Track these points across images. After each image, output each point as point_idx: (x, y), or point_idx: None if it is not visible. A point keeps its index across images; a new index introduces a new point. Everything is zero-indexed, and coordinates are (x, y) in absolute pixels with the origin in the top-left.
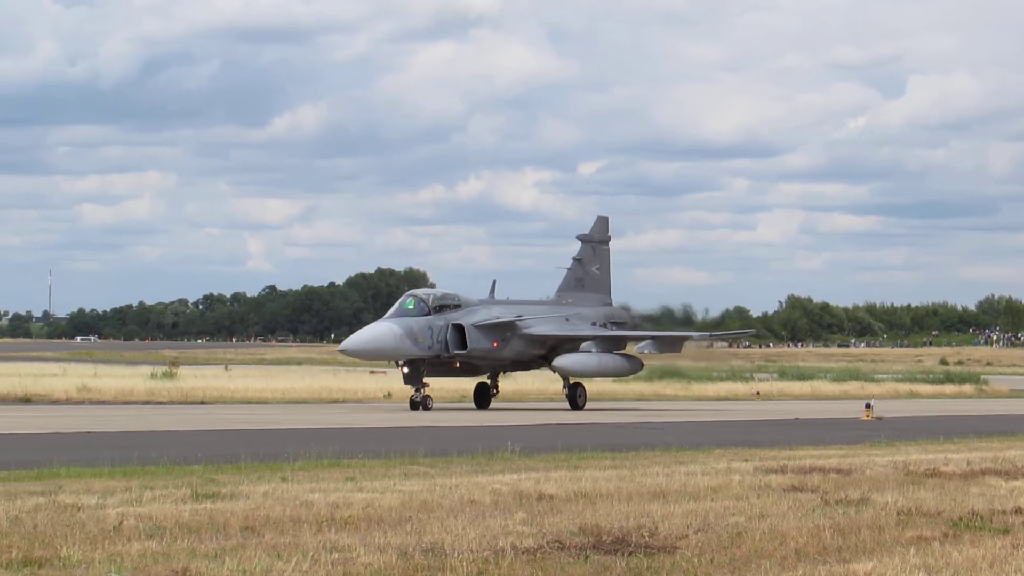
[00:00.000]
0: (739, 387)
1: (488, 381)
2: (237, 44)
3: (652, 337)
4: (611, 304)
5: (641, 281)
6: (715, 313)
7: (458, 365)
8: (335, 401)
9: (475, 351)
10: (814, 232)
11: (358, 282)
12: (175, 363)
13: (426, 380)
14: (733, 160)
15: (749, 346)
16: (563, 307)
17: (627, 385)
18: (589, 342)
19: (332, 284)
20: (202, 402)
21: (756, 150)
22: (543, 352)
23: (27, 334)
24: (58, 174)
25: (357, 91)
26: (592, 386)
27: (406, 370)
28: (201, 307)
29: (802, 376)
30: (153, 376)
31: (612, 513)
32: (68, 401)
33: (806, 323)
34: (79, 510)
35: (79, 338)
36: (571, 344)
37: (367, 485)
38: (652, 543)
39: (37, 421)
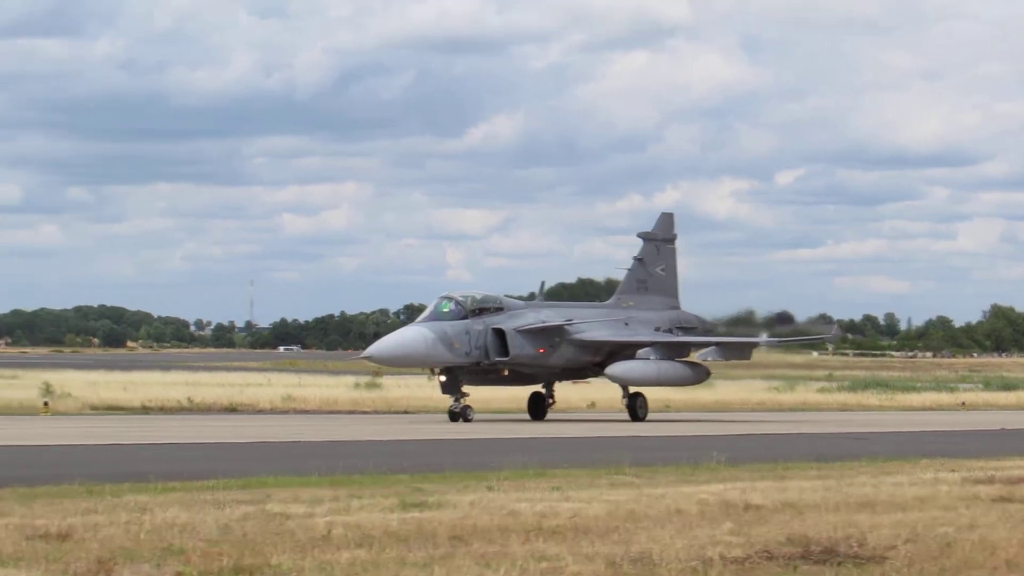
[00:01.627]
0: (944, 397)
1: (543, 390)
2: (431, 55)
3: (716, 343)
4: (678, 307)
5: (843, 290)
6: (918, 322)
7: (506, 373)
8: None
9: (519, 358)
10: (1015, 241)
11: (558, 292)
12: (378, 373)
13: (466, 389)
14: (932, 169)
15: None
16: (622, 311)
17: (832, 396)
18: (647, 348)
19: (532, 295)
20: (406, 411)
21: (955, 159)
22: (598, 359)
23: (230, 344)
24: (257, 184)
25: (552, 101)
26: (806, 395)
27: (443, 378)
28: (402, 316)
29: (1007, 386)
30: (357, 386)
31: (820, 523)
32: (273, 411)
33: (1010, 333)
34: (288, 519)
35: (282, 348)
36: (628, 351)
37: (573, 495)
38: (861, 553)
39: (244, 430)
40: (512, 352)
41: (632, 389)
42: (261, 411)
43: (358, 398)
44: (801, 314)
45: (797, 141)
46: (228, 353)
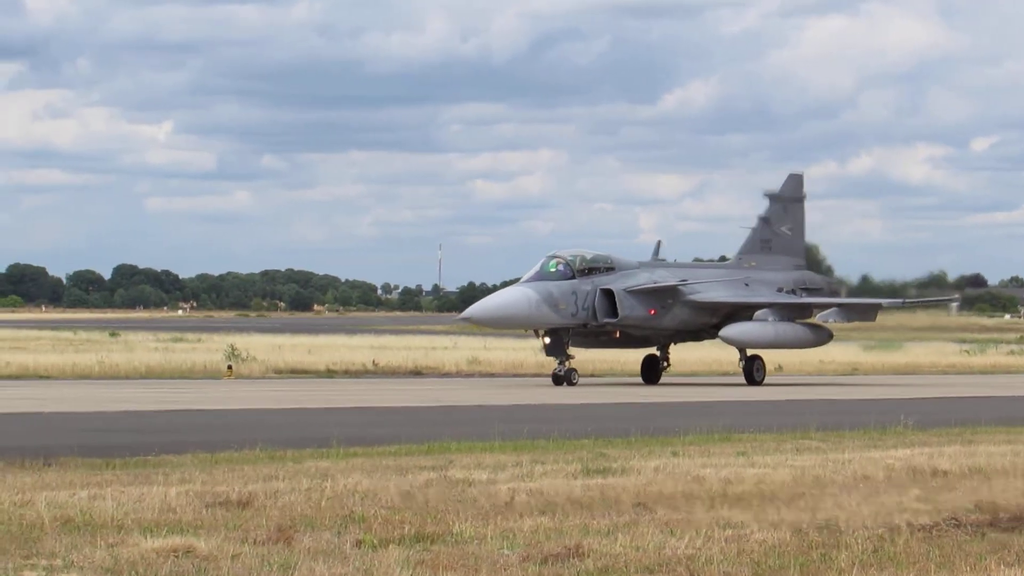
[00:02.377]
0: None
1: (658, 353)
2: (626, 20)
3: (839, 304)
4: (804, 268)
5: None
6: None
7: (618, 335)
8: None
9: (628, 319)
10: None
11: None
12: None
13: (572, 352)
14: None
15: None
16: (742, 271)
17: (1022, 359)
18: (765, 310)
19: (722, 257)
20: (592, 375)
21: None
22: (714, 321)
23: (417, 308)
24: (452, 152)
25: (746, 66)
26: (996, 358)
27: (547, 340)
28: None
29: None
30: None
31: (1008, 490)
32: (458, 374)
33: None
34: (470, 485)
35: None
36: (746, 312)
37: (759, 460)
38: None
39: (428, 394)
40: (621, 313)
41: (749, 352)
42: (446, 374)
43: (544, 362)
44: (994, 277)
45: (993, 107)
46: (414, 317)
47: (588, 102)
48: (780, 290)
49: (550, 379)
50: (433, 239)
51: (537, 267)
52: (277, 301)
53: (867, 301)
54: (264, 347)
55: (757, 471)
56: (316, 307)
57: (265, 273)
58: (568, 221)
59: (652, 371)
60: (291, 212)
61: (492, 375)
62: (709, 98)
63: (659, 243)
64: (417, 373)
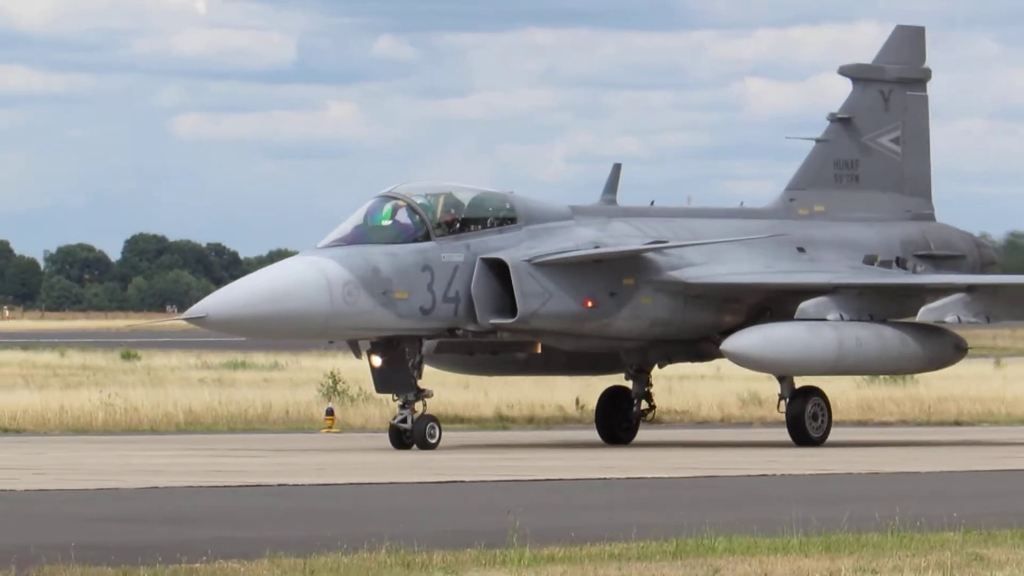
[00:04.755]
0: None
1: (629, 385)
2: None
3: (968, 287)
4: (931, 216)
5: None
6: None
7: (539, 350)
8: None
9: (539, 319)
10: None
11: None
12: None
13: (424, 386)
14: None
15: None
16: (793, 222)
17: None
18: (824, 299)
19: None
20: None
21: None
22: (729, 320)
23: None
24: None
25: None
26: None
27: (376, 361)
28: None
29: None
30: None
31: None
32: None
33: None
34: None
35: None
36: (792, 301)
37: None
38: None
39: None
40: (522, 308)
41: (798, 383)
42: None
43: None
44: None
45: None
46: None
47: None
48: (871, 260)
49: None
50: None
51: (354, 217)
52: None
53: (1012, 280)
54: None
55: None
56: None
57: None
58: None
59: (614, 417)
60: (425, 137)
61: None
62: None
63: (616, 167)
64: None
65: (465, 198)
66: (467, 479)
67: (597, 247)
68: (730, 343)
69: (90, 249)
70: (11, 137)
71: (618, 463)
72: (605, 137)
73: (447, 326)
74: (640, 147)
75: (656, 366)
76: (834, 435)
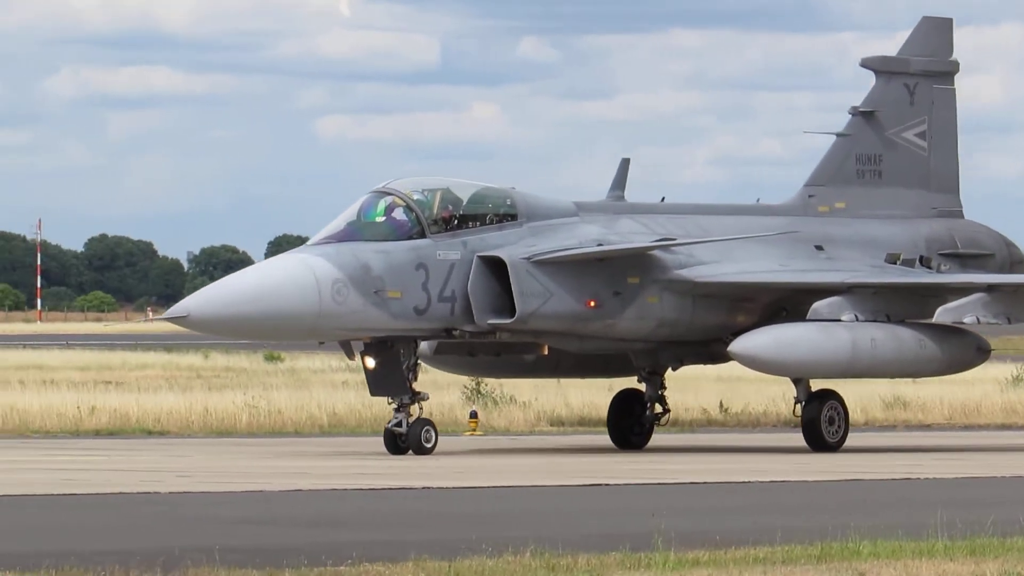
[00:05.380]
0: None
1: (642, 388)
2: None
3: (988, 286)
4: (959, 212)
5: None
6: None
7: (546, 352)
8: None
9: (539, 319)
10: None
11: None
12: None
13: (419, 389)
14: None
15: None
16: (812, 219)
17: None
18: (839, 298)
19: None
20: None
21: None
22: (741, 321)
23: None
24: None
25: None
26: None
27: (370, 363)
28: None
29: None
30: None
31: None
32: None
33: None
34: None
35: None
36: (808, 301)
37: None
38: None
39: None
40: (521, 308)
41: (814, 385)
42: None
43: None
44: None
45: None
46: None
47: None
48: (893, 259)
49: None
50: None
51: (347, 214)
52: None
53: None
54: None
55: None
56: None
57: None
58: None
59: (627, 421)
60: (568, 139)
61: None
62: None
63: (625, 162)
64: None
65: (464, 194)
66: (611, 482)
67: (600, 245)
68: (738, 344)
69: (233, 250)
70: (155, 139)
71: (763, 467)
72: (748, 139)
73: (443, 327)
74: (783, 149)
75: (670, 368)
76: (974, 439)
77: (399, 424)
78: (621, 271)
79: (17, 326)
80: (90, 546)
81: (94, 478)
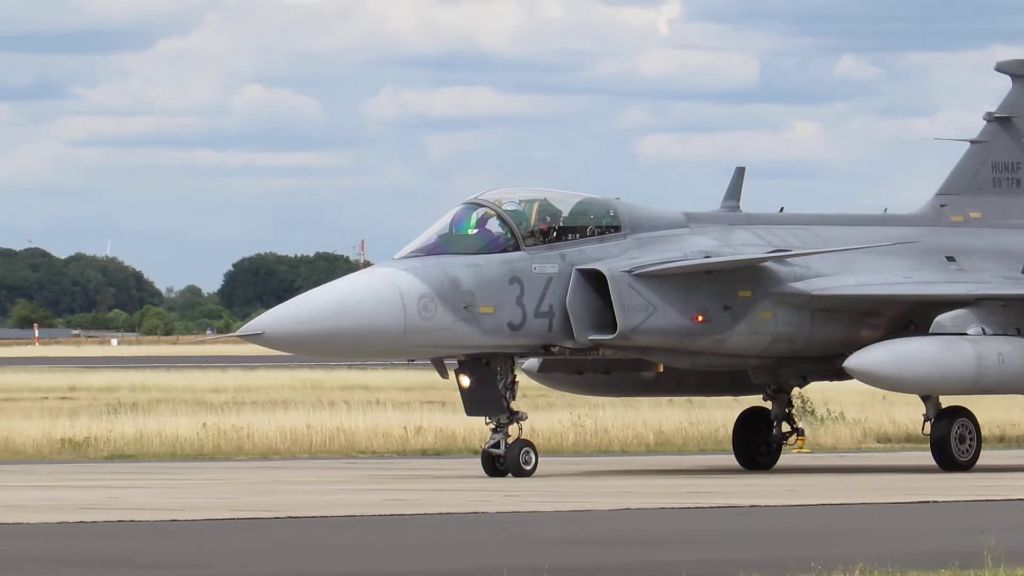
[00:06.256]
0: None
1: (769, 407)
2: None
3: None
4: None
5: None
6: None
7: (662, 370)
8: None
9: (642, 334)
10: None
11: None
12: None
13: (517, 407)
14: None
15: None
16: (943, 231)
17: None
18: (965, 311)
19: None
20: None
21: None
22: (866, 335)
23: None
24: None
25: None
26: None
27: (465, 382)
28: None
29: None
30: None
31: None
32: None
33: None
34: None
35: None
36: (931, 314)
37: None
38: None
39: None
40: (623, 324)
41: (944, 402)
42: None
43: None
44: None
45: None
46: None
47: None
48: None
49: None
50: None
51: (437, 226)
52: None
53: None
54: (858, 392)
55: None
56: None
57: None
58: None
59: (753, 441)
60: (889, 158)
61: None
62: None
63: (740, 170)
64: None
65: (563, 205)
66: (939, 499)
67: (708, 256)
68: (855, 360)
69: None
70: (475, 159)
71: None
72: None
73: (541, 343)
74: None
75: (796, 386)
76: None
77: (496, 445)
78: (731, 284)
79: None
80: (423, 566)
81: (422, 498)
